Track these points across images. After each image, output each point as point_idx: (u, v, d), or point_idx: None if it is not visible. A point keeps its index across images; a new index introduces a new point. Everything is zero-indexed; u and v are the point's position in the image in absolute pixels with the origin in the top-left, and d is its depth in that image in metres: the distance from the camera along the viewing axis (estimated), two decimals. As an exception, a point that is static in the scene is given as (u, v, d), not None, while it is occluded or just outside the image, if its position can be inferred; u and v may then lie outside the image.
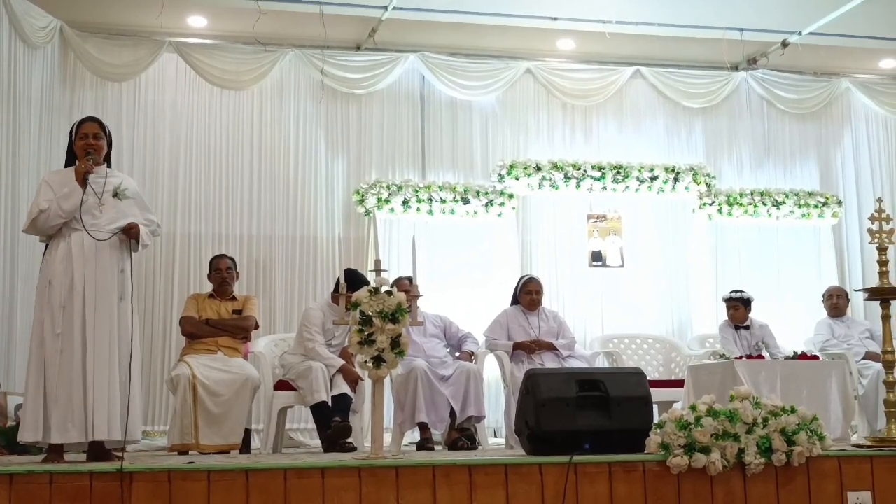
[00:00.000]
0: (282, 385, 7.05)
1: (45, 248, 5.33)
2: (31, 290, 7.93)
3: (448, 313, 7.74)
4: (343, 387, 6.82)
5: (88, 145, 5.30)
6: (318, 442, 7.22)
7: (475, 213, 9.38)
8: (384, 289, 4.81)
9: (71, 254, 5.14)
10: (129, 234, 5.26)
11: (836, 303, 8.69)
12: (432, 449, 6.85)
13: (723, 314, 9.42)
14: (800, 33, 9.41)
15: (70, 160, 5.41)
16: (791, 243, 10.08)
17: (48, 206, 5.15)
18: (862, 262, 10.22)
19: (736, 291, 8.17)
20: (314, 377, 6.72)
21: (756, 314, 8.19)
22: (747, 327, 8.09)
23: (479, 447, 6.94)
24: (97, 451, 5.09)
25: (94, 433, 4.98)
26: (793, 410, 4.57)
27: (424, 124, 9.67)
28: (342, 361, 6.89)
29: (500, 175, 9.50)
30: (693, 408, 4.54)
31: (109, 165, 5.50)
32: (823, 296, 8.83)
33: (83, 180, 5.18)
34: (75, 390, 4.99)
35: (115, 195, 5.30)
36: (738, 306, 8.07)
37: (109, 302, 5.15)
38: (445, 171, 9.57)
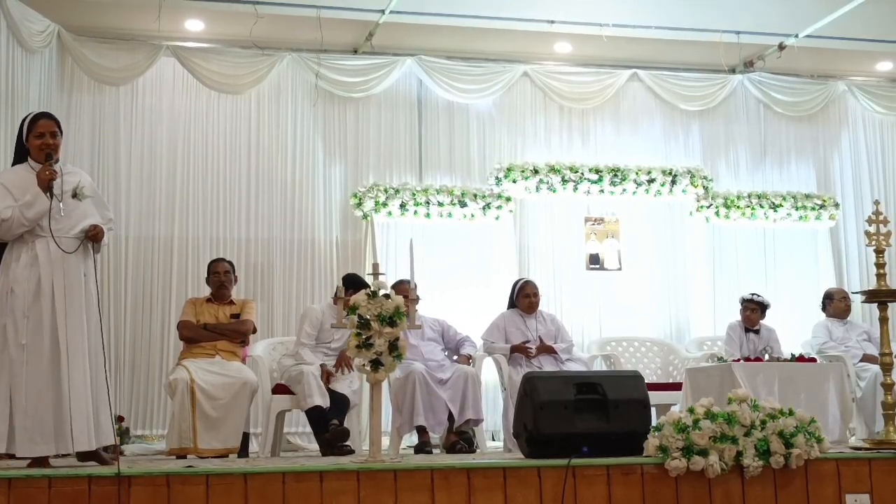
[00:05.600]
0: (280, 388, 7.06)
1: None
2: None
3: (446, 316, 7.75)
4: (341, 388, 6.85)
5: (47, 145, 5.03)
6: (316, 445, 7.22)
7: (472, 216, 9.38)
8: (382, 292, 4.82)
9: (37, 261, 4.91)
10: (94, 239, 5.06)
11: (849, 304, 8.63)
12: (430, 452, 6.86)
13: (721, 316, 9.46)
14: (796, 36, 9.42)
15: (20, 156, 5.14)
16: (788, 246, 10.08)
17: (10, 215, 4.87)
18: (859, 264, 10.22)
19: (756, 294, 8.15)
20: (306, 382, 6.76)
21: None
22: (757, 331, 8.10)
23: (478, 450, 6.95)
24: (89, 453, 4.99)
25: (75, 445, 4.83)
26: (791, 413, 4.58)
27: (422, 128, 9.67)
28: (318, 361, 6.95)
29: (497, 178, 9.50)
30: (691, 410, 4.55)
31: (60, 161, 5.15)
32: (832, 297, 8.67)
33: (47, 187, 4.91)
34: (44, 402, 4.80)
35: (75, 195, 5.07)
36: (756, 309, 8.06)
37: (78, 308, 4.97)
38: (443, 175, 9.57)
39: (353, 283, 6.84)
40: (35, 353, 4.84)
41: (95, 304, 5.08)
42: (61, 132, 5.18)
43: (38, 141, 5.07)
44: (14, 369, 4.82)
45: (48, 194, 4.93)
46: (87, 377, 4.94)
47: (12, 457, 5.88)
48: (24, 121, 5.22)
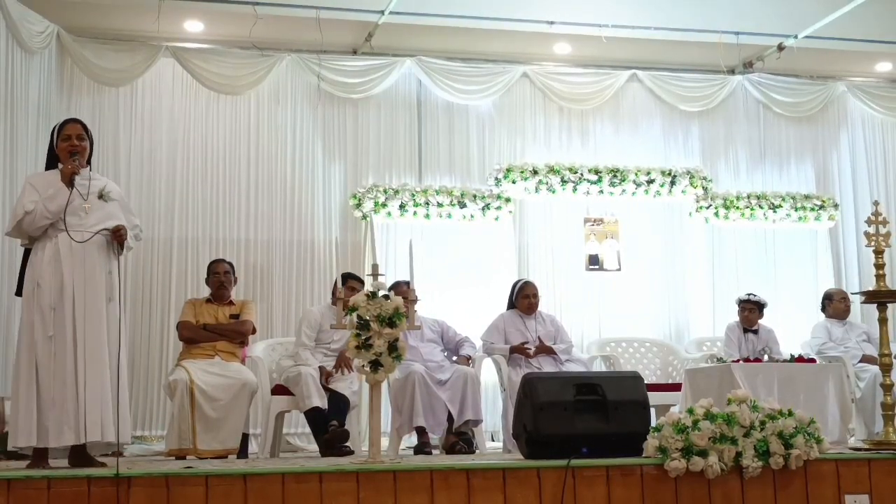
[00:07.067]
0: (279, 389, 7.06)
1: (25, 252, 5.26)
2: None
3: (445, 317, 7.75)
4: (341, 389, 6.86)
5: (72, 146, 5.23)
6: (315, 446, 7.23)
7: (472, 217, 9.38)
8: (381, 293, 4.82)
9: (59, 255, 5.07)
10: (117, 237, 5.19)
11: (848, 305, 8.64)
12: (430, 453, 6.87)
13: (720, 317, 9.46)
14: (796, 37, 9.42)
15: (51, 163, 5.35)
16: (788, 246, 10.08)
17: (34, 208, 5.08)
18: (859, 265, 10.22)
19: (752, 294, 8.16)
20: (304, 383, 6.77)
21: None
22: (756, 331, 8.10)
23: (477, 451, 6.95)
24: (80, 455, 5.03)
25: (88, 434, 4.92)
26: (790, 413, 4.58)
27: (421, 128, 9.67)
28: (317, 363, 6.96)
29: (496, 179, 9.50)
30: (690, 411, 4.55)
31: (91, 169, 5.40)
32: (832, 298, 8.67)
33: (69, 181, 5.12)
34: (69, 393, 4.94)
35: (101, 197, 5.23)
36: (753, 308, 8.07)
37: (98, 303, 5.10)
38: (442, 176, 9.57)
39: (349, 277, 6.87)
40: (61, 345, 4.99)
41: (117, 302, 5.20)
42: (90, 137, 5.36)
43: (65, 143, 5.27)
44: (42, 360, 4.98)
45: (70, 187, 5.10)
46: (104, 371, 5.03)
47: (10, 456, 5.93)
48: (53, 129, 5.40)
